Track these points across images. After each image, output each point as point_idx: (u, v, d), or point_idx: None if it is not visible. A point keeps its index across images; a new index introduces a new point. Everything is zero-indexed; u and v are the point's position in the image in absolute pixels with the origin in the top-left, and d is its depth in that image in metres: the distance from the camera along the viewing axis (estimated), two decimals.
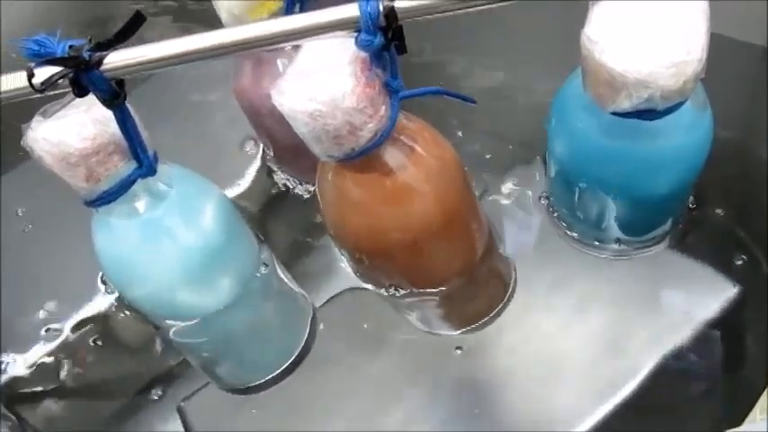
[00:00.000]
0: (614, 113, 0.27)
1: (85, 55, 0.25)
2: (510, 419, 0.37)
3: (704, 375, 0.38)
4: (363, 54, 0.27)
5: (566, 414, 0.37)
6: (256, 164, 0.46)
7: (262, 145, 0.45)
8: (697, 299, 0.38)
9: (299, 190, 0.44)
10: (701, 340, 0.37)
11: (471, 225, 0.34)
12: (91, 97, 0.28)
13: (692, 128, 0.29)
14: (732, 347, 0.38)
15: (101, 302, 0.43)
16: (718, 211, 0.40)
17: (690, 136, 0.29)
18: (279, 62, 0.36)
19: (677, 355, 0.37)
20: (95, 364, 0.43)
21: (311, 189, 0.43)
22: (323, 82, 0.26)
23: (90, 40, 0.25)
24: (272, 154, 0.43)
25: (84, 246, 0.33)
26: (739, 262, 0.39)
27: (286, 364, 0.39)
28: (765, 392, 0.28)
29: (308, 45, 0.28)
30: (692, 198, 0.38)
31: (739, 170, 0.41)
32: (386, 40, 0.26)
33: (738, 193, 0.41)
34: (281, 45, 0.27)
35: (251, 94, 0.37)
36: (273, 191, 0.45)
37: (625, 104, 0.26)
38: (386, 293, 0.36)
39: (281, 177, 0.44)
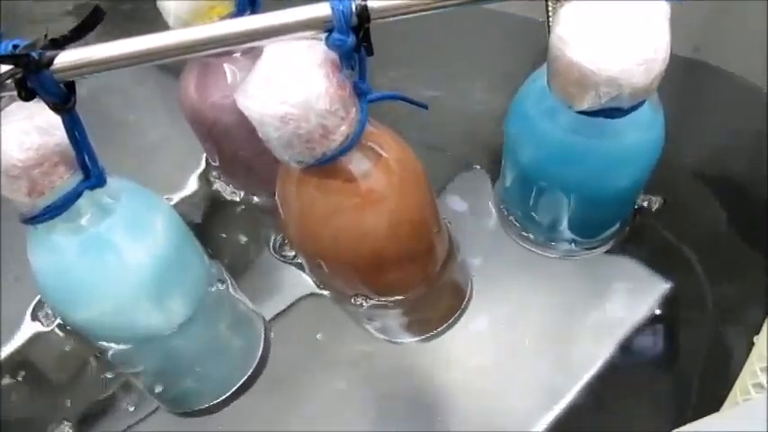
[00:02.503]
0: (581, 112, 0.27)
1: (34, 54, 0.23)
2: (468, 424, 0.37)
3: (648, 370, 0.39)
4: (333, 55, 0.26)
5: (522, 415, 0.37)
6: (198, 175, 0.44)
7: (204, 155, 0.44)
8: (640, 297, 0.39)
9: (245, 200, 0.43)
10: (645, 336, 0.39)
11: (434, 230, 0.33)
12: (29, 104, 0.25)
13: (650, 126, 0.30)
14: (671, 343, 0.40)
15: (27, 331, 0.40)
16: (659, 216, 0.41)
17: (648, 134, 0.30)
18: (227, 69, 0.34)
19: (624, 352, 0.38)
20: (21, 398, 0.39)
21: (257, 200, 0.42)
22: (294, 84, 0.25)
23: (45, 36, 0.22)
24: (216, 164, 0.41)
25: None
26: (675, 263, 0.40)
27: (239, 384, 0.37)
28: (744, 373, 0.29)
29: (272, 47, 0.27)
30: (638, 201, 0.40)
31: (671, 177, 0.44)
32: (357, 41, 0.25)
33: (674, 200, 0.42)
34: (246, 45, 0.26)
35: (196, 103, 0.35)
36: (218, 202, 0.43)
37: (594, 102, 0.26)
38: (349, 304, 0.35)
39: (225, 188, 0.43)
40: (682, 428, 0.24)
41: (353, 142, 0.27)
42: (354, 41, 0.25)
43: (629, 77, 0.25)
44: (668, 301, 0.39)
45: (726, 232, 0.41)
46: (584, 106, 0.27)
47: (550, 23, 0.39)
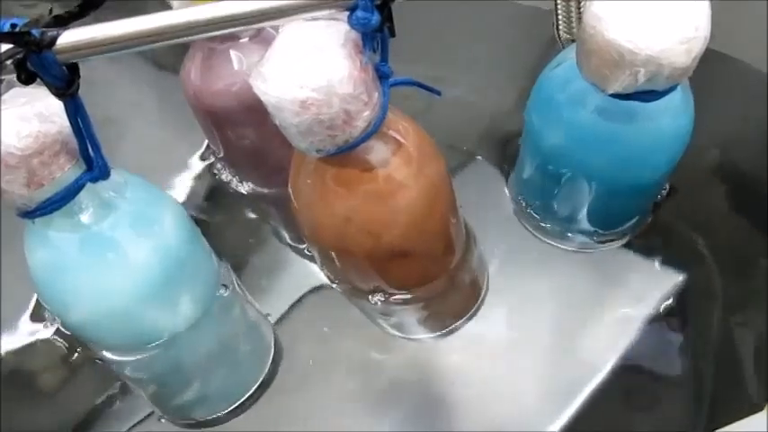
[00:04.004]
0: (614, 95, 0.26)
1: (36, 32, 0.21)
2: (483, 422, 0.36)
3: (662, 364, 0.38)
4: (354, 35, 0.24)
5: (537, 413, 0.36)
6: (199, 167, 0.42)
7: (206, 145, 0.42)
8: (652, 290, 0.38)
9: (251, 192, 0.41)
10: (658, 330, 0.38)
11: (452, 221, 0.32)
12: (28, 89, 0.24)
13: (681, 110, 0.29)
14: (683, 336, 0.39)
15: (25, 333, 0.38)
16: (671, 207, 0.40)
17: (679, 118, 0.29)
18: (232, 55, 0.33)
19: (637, 346, 0.37)
20: (16, 403, 0.37)
21: (264, 191, 0.40)
22: (316, 65, 0.24)
23: (50, 11, 0.21)
24: (220, 155, 0.39)
25: None
26: (686, 254, 0.40)
27: (250, 392, 0.36)
28: None
29: (290, 26, 0.25)
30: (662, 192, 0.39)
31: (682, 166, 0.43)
32: (381, 19, 0.24)
33: (685, 190, 0.42)
34: (262, 24, 0.24)
35: (200, 91, 0.33)
36: (222, 195, 0.41)
37: (630, 84, 0.25)
38: (363, 300, 0.34)
39: (230, 180, 0.41)
40: (726, 428, 0.23)
41: (376, 128, 0.26)
42: (379, 20, 0.24)
43: (670, 57, 0.24)
44: (680, 294, 0.38)
45: (736, 221, 0.41)
46: (619, 88, 0.25)
47: (558, 13, 0.37)
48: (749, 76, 0.44)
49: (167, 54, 0.46)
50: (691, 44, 0.24)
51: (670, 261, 0.39)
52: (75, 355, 0.38)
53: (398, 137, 0.28)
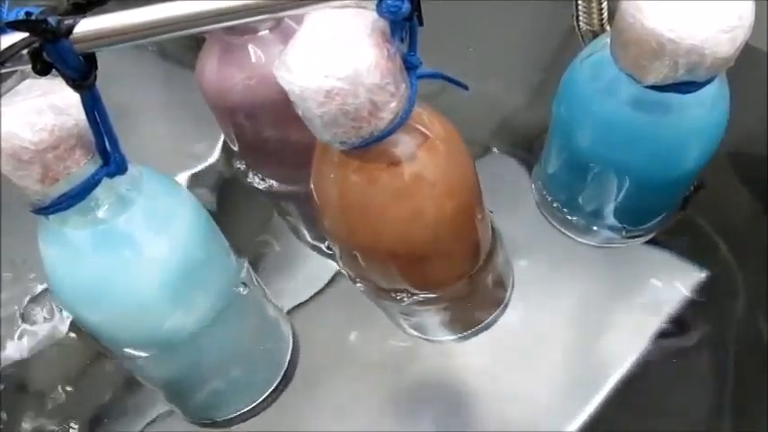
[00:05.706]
0: (651, 87, 0.25)
1: (52, 20, 0.20)
2: (504, 424, 0.35)
3: (683, 362, 0.37)
4: (382, 24, 0.23)
5: (559, 413, 0.35)
6: (216, 162, 0.42)
7: (221, 141, 0.41)
8: (673, 287, 0.38)
9: (269, 188, 0.40)
10: (679, 327, 0.37)
11: (478, 216, 0.31)
12: (42, 81, 0.23)
13: (717, 102, 0.28)
14: (704, 334, 0.38)
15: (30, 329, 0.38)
16: (694, 204, 0.40)
17: (715, 109, 0.28)
18: (250, 48, 0.32)
19: (658, 343, 0.37)
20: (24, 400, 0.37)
21: (282, 187, 0.39)
22: (342, 54, 0.23)
23: None
24: (237, 150, 0.38)
25: None
26: (708, 252, 0.39)
27: (268, 391, 0.35)
28: None
29: (315, 14, 0.24)
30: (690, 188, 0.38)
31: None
32: (411, 7, 0.23)
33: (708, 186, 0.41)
34: (288, 13, 0.23)
35: (218, 84, 0.33)
36: (238, 191, 0.40)
37: (669, 75, 0.24)
38: (385, 299, 0.33)
39: (248, 176, 0.40)
40: None
41: (403, 120, 0.25)
42: (409, 8, 0.23)
43: (714, 47, 0.23)
44: (703, 291, 0.38)
45: (758, 218, 0.40)
46: (657, 79, 0.24)
47: (579, 5, 0.36)
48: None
49: (177, 45, 0.45)
50: (734, 33, 0.23)
51: (692, 257, 0.38)
52: (87, 352, 0.37)
53: (425, 130, 0.27)
